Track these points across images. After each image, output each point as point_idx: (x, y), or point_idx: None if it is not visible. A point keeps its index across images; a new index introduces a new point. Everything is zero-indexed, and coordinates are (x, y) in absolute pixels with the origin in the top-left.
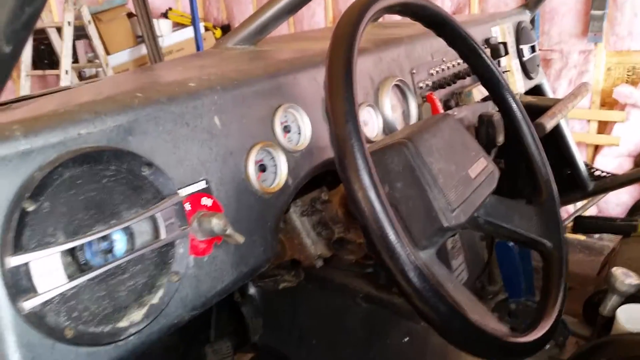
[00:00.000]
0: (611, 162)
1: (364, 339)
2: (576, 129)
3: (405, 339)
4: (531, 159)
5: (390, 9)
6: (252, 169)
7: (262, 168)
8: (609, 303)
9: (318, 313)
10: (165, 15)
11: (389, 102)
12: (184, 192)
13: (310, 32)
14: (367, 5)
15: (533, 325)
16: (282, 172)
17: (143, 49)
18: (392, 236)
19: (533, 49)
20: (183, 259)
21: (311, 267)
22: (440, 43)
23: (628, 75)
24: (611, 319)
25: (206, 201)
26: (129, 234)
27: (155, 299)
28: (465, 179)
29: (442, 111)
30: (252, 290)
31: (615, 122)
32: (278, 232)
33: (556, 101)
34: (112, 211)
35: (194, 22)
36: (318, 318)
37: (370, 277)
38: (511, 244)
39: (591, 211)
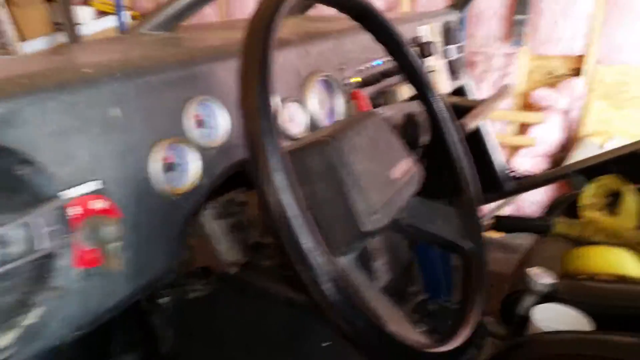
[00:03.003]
0: (528, 162)
1: (284, 344)
2: (496, 130)
3: (327, 343)
4: (454, 160)
5: None
6: (156, 167)
7: (171, 166)
8: (525, 303)
9: (236, 320)
10: (87, 2)
11: (316, 97)
12: (73, 193)
13: (237, 21)
14: None
15: (452, 332)
16: (193, 170)
17: (61, 37)
18: (304, 245)
19: (459, 49)
20: (66, 272)
21: (224, 273)
22: (368, 40)
23: (547, 78)
24: (527, 318)
25: (100, 204)
26: (1, 243)
27: (30, 319)
28: (388, 180)
29: (369, 109)
30: (162, 299)
31: (533, 124)
32: (186, 237)
33: (479, 102)
34: None
35: (117, 9)
36: (236, 325)
37: (290, 280)
38: None
39: (509, 210)
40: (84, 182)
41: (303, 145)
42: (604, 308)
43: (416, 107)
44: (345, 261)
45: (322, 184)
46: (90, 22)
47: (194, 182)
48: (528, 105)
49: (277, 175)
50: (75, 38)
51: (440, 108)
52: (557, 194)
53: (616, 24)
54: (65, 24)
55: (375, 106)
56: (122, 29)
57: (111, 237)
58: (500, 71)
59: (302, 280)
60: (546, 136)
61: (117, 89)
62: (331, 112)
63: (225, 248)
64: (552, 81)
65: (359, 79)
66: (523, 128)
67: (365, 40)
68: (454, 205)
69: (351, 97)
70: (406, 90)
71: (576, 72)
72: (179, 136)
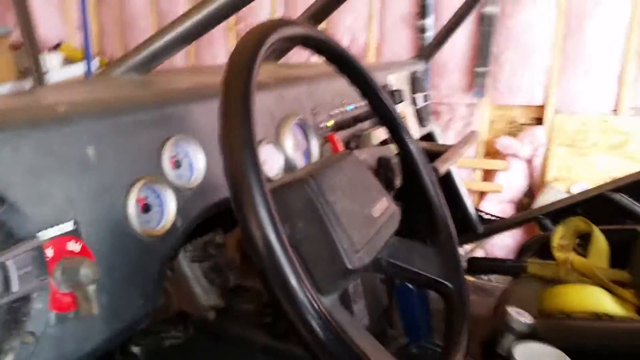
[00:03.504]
0: (495, 208)
1: None
2: (463, 177)
3: None
4: (430, 201)
5: (292, 40)
6: (132, 208)
7: (146, 208)
8: (506, 342)
9: None
10: (55, 48)
11: (291, 140)
12: (46, 234)
13: (210, 66)
14: (267, 32)
15: None
16: (169, 212)
17: (28, 84)
18: (293, 281)
19: (426, 98)
20: (41, 316)
21: (202, 319)
22: (340, 85)
23: (509, 127)
24: (508, 358)
25: (73, 246)
26: None
27: None
28: (369, 218)
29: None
30: (135, 348)
31: (498, 170)
32: (162, 281)
33: (448, 147)
34: None
35: (86, 57)
36: None
37: (268, 326)
38: (411, 286)
39: (479, 254)
40: (59, 223)
41: (282, 183)
42: (582, 346)
43: (389, 151)
44: (330, 300)
45: (303, 222)
46: (58, 70)
47: (170, 223)
48: (491, 153)
49: (263, 211)
50: (42, 85)
51: (416, 149)
52: (525, 238)
53: (572, 76)
54: (31, 71)
55: (348, 150)
56: (90, 76)
57: (86, 280)
58: (464, 120)
59: (289, 318)
60: (511, 182)
61: (92, 127)
62: (306, 154)
63: (202, 292)
64: (514, 130)
65: (333, 123)
66: (488, 175)
67: (336, 86)
68: (432, 245)
69: (326, 140)
70: (379, 135)
71: (537, 121)
72: (155, 176)
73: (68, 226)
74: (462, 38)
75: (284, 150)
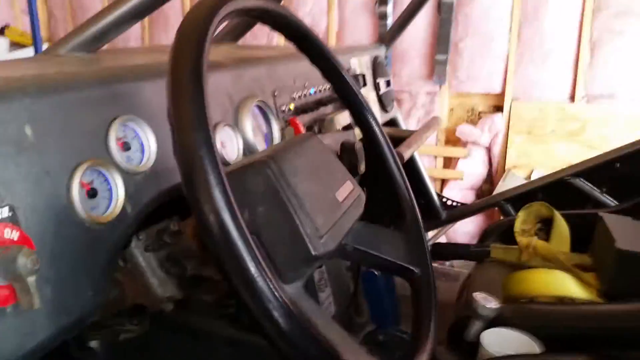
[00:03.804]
0: (456, 195)
1: None
2: (424, 164)
3: None
4: (395, 186)
5: (247, 13)
6: (76, 193)
7: (92, 193)
8: (473, 328)
9: None
10: (1, 32)
11: (250, 123)
12: None
13: (163, 45)
14: (219, 3)
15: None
16: (117, 197)
17: None
18: (252, 268)
19: (388, 83)
20: None
21: (159, 312)
22: (303, 67)
23: (468, 115)
24: (476, 344)
25: (10, 234)
26: None
27: None
28: (333, 202)
29: None
30: (93, 342)
31: (459, 157)
32: (113, 271)
33: (410, 133)
34: None
35: (34, 41)
36: None
37: (231, 317)
38: (377, 273)
39: (441, 240)
40: None
41: (240, 166)
42: (550, 330)
43: (352, 136)
44: (294, 288)
45: (264, 207)
46: (4, 54)
47: (119, 209)
48: (451, 141)
49: (217, 193)
50: None
51: (380, 133)
52: (486, 223)
53: (529, 63)
54: None
55: None
56: None
57: (25, 271)
58: (425, 108)
59: (249, 309)
60: (472, 169)
61: (29, 105)
62: (267, 138)
63: (158, 283)
64: (474, 118)
65: (294, 106)
66: (448, 162)
67: (298, 68)
68: (398, 231)
69: (287, 124)
70: (342, 119)
71: (496, 108)
72: (101, 159)
73: (3, 212)
74: (422, 25)
75: (243, 134)
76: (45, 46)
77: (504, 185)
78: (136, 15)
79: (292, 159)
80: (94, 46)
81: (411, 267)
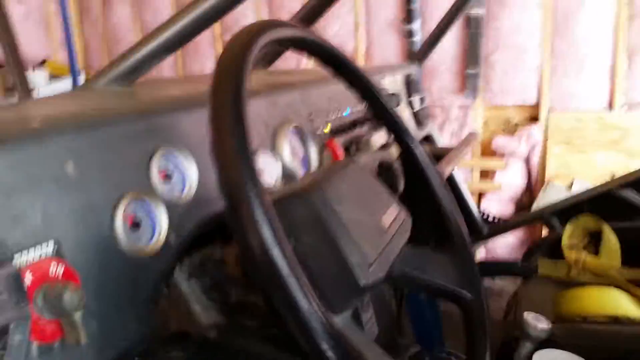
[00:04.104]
0: (495, 206)
1: None
2: (461, 177)
3: None
4: (440, 207)
5: (283, 42)
6: (119, 225)
7: (135, 225)
8: (523, 350)
9: None
10: (41, 65)
11: (288, 147)
12: (24, 258)
13: (198, 75)
14: (257, 33)
15: None
16: (160, 228)
17: (14, 101)
18: (303, 307)
19: (422, 100)
20: (22, 348)
21: (203, 338)
22: (335, 89)
23: (504, 127)
24: None
25: (55, 269)
26: None
27: None
28: (379, 229)
29: (343, 158)
30: None
31: (496, 170)
32: (158, 301)
33: (448, 149)
34: None
35: (72, 72)
36: None
37: (277, 339)
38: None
39: (481, 253)
40: (38, 244)
41: (283, 195)
42: (605, 352)
43: (389, 155)
44: (343, 319)
45: (309, 237)
46: (44, 86)
47: (162, 240)
48: (487, 153)
49: (265, 229)
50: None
51: (421, 153)
52: (527, 235)
53: (564, 74)
54: (17, 88)
55: (348, 155)
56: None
57: (71, 306)
58: (458, 122)
59: (302, 346)
60: (510, 181)
61: (69, 142)
62: (305, 162)
63: (201, 309)
64: (509, 130)
65: (330, 128)
66: (485, 175)
67: (331, 90)
68: (445, 253)
69: (324, 146)
70: (379, 139)
71: (532, 120)
72: (143, 191)
73: (49, 247)
74: (451, 41)
75: (282, 159)
76: (82, 76)
77: (545, 195)
78: (171, 47)
79: (336, 186)
80: (131, 78)
81: (463, 291)
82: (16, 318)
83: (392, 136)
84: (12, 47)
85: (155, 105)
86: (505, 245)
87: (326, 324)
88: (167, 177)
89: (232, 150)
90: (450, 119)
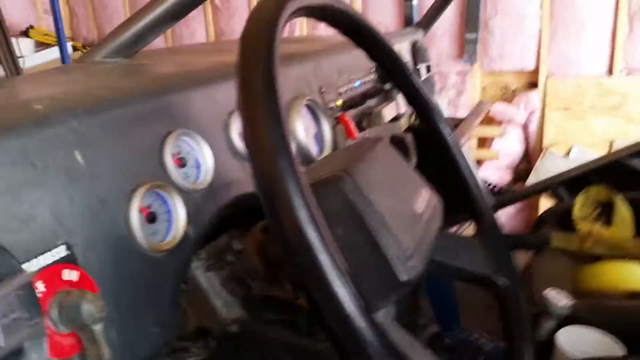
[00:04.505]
0: (493, 175)
1: None
2: None
3: None
4: (469, 184)
5: (309, 11)
6: (135, 220)
7: (151, 218)
8: (545, 327)
9: None
10: (26, 33)
11: (301, 124)
12: (35, 265)
13: (192, 45)
14: (282, 4)
15: None
16: (178, 220)
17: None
18: (348, 308)
19: (429, 68)
20: None
21: (224, 333)
22: (344, 60)
23: (502, 93)
24: (550, 344)
25: (69, 274)
26: None
27: None
28: (414, 216)
29: (356, 133)
30: None
31: (493, 137)
32: (178, 300)
33: (459, 121)
34: None
35: (59, 41)
36: None
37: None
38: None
39: None
40: (48, 250)
41: (312, 182)
42: (632, 329)
43: (399, 128)
44: (385, 318)
45: (343, 228)
46: (30, 55)
47: (181, 233)
48: (484, 120)
49: (309, 230)
50: (16, 72)
51: (449, 132)
52: (522, 207)
53: (563, 39)
54: (3, 58)
55: (360, 130)
56: (65, 61)
57: (90, 319)
58: (456, 88)
59: (346, 349)
60: (508, 148)
61: (77, 127)
62: (318, 139)
63: (222, 304)
64: (508, 96)
65: (342, 102)
66: (482, 142)
67: (340, 60)
68: (476, 237)
69: (337, 121)
70: (389, 112)
71: (530, 86)
72: (157, 180)
73: (60, 251)
74: (450, 5)
75: (296, 136)
76: (69, 45)
77: (543, 163)
78: (171, 17)
79: (367, 171)
80: (130, 51)
81: (497, 277)
82: (31, 336)
83: (420, 114)
84: None
85: (163, 82)
86: (507, 216)
87: (371, 325)
88: (181, 162)
89: (269, 144)
90: (448, 86)
